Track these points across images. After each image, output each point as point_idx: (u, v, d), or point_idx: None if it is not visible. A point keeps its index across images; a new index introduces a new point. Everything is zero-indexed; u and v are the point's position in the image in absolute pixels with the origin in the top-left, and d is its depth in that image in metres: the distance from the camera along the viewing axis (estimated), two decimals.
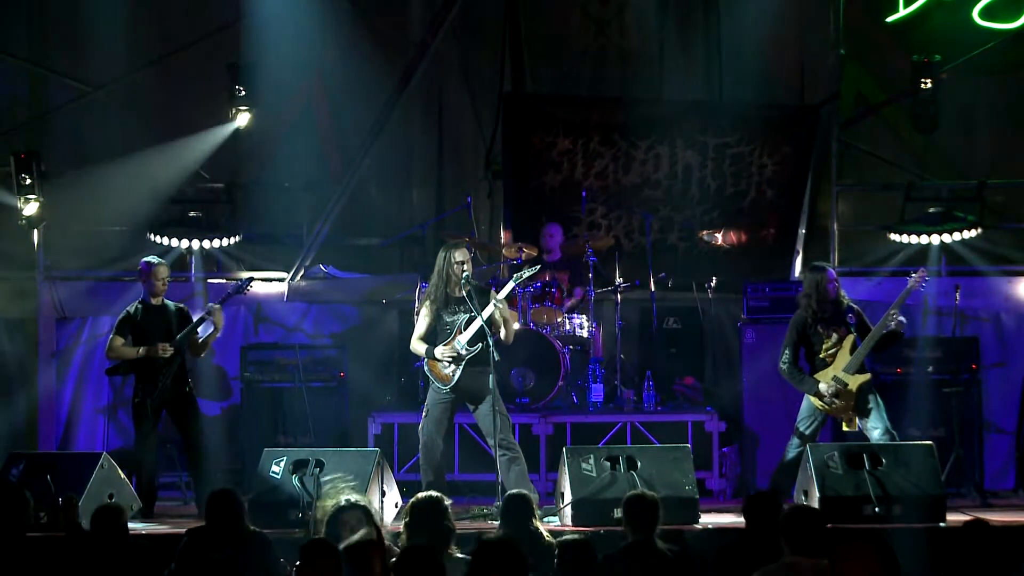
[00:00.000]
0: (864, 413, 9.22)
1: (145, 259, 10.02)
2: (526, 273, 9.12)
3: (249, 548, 6.66)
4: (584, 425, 10.83)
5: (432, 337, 9.04)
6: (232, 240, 11.85)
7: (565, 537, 6.48)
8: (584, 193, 12.11)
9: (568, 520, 8.54)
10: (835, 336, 9.31)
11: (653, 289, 11.74)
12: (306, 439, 10.69)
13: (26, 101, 12.44)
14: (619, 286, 11.45)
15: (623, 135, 12.44)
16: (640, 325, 11.95)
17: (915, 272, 9.48)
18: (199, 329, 9.87)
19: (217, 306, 9.85)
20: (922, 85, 11.66)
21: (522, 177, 12.61)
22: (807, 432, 9.27)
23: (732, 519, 8.87)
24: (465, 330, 8.91)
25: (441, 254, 9.04)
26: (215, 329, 9.87)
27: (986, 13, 12.07)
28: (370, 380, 11.53)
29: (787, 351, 9.38)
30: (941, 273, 11.71)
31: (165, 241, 11.62)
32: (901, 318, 9.18)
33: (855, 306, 9.47)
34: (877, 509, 8.41)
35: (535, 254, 11.45)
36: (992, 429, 11.19)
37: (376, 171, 12.61)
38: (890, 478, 8.53)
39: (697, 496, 8.69)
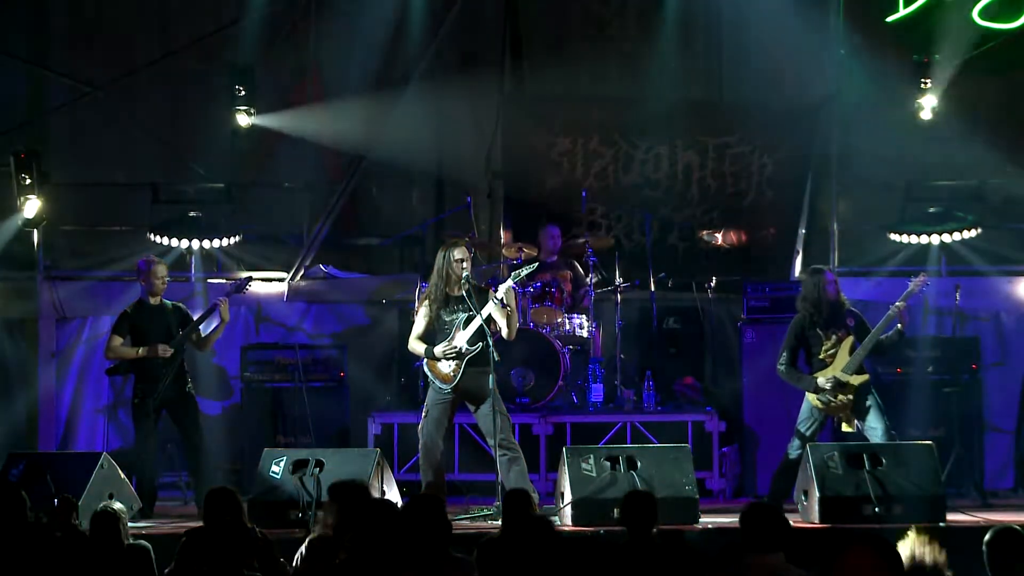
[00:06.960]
0: (863, 414, 9.21)
1: (144, 258, 10.03)
2: (524, 272, 9.11)
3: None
4: (584, 425, 10.83)
5: (430, 337, 9.02)
6: (232, 240, 11.84)
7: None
8: (584, 193, 12.11)
9: (568, 520, 8.53)
10: (834, 337, 9.30)
11: (653, 289, 11.73)
12: (306, 439, 10.69)
13: (26, 101, 12.43)
14: (619, 286, 11.45)
15: (623, 135, 12.45)
16: (640, 325, 11.94)
17: (916, 276, 9.47)
18: (203, 324, 9.87)
19: (224, 299, 9.85)
20: (922, 85, 11.66)
21: (522, 177, 12.61)
22: (807, 433, 9.26)
23: (732, 519, 8.84)
24: (464, 329, 8.90)
25: (440, 253, 9.03)
26: (221, 322, 9.87)
27: (986, 13, 12.05)
28: (370, 380, 11.54)
29: (785, 353, 9.37)
30: (941, 273, 11.70)
31: (165, 241, 11.62)
32: (899, 323, 9.15)
33: (854, 308, 9.47)
34: (877, 509, 8.40)
35: (535, 254, 11.44)
36: (992, 429, 11.18)
37: (376, 171, 12.61)
38: (890, 478, 8.52)
39: (697, 496, 8.68)
